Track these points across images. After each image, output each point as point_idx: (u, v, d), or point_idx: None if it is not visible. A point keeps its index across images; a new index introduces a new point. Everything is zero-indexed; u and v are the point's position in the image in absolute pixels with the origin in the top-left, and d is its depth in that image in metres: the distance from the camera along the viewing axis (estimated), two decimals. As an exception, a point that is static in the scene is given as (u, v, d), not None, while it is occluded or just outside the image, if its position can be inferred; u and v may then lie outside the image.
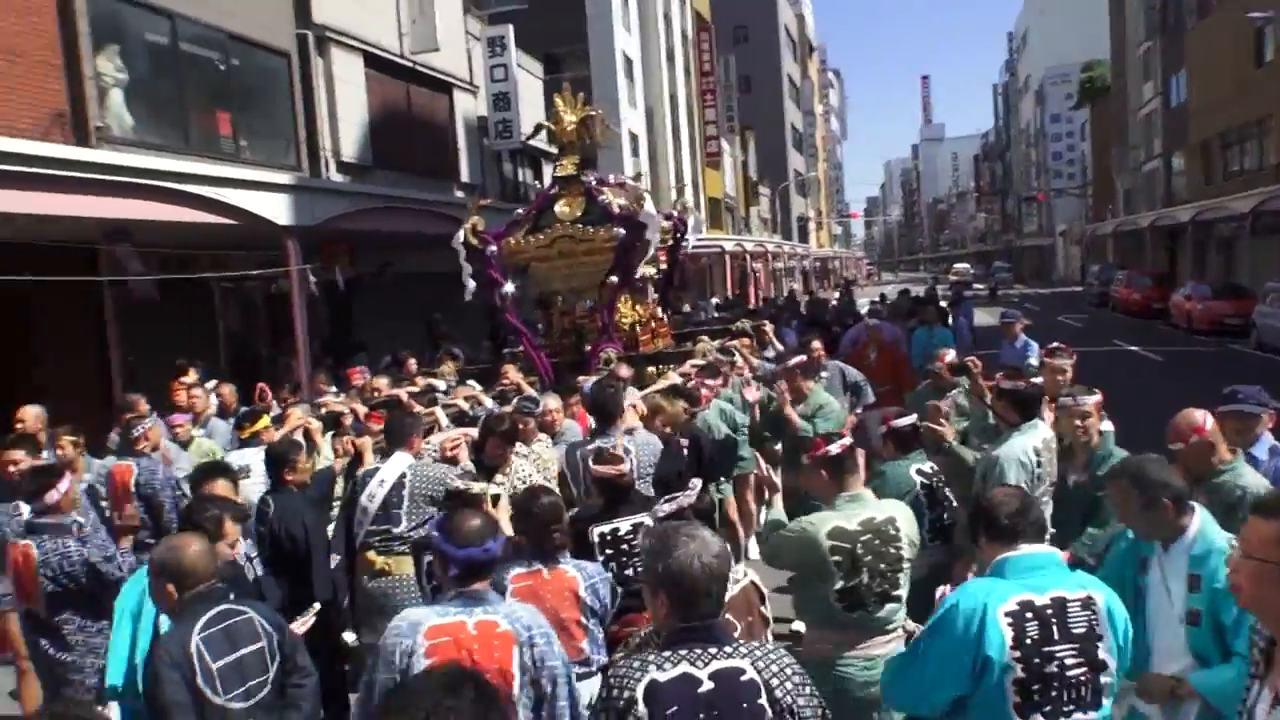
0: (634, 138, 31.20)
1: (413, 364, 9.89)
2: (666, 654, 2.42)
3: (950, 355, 7.24)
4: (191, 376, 8.90)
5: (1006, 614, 2.72)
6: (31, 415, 6.76)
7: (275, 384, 9.62)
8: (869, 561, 3.60)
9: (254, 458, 6.27)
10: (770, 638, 3.00)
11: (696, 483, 3.84)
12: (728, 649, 2.41)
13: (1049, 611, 2.73)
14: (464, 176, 19.47)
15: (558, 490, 4.67)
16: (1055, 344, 6.51)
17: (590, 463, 4.80)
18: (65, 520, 4.61)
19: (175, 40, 12.66)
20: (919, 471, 4.77)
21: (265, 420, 6.71)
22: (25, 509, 4.77)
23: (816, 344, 8.62)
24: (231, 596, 3.39)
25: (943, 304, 18.00)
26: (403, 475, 5.10)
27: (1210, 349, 20.90)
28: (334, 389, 8.87)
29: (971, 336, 13.78)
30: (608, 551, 4.29)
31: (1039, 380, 5.58)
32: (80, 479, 5.81)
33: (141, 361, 11.14)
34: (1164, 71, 38.30)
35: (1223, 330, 22.55)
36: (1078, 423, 4.76)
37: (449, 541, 2.99)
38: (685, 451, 5.84)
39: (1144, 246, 39.06)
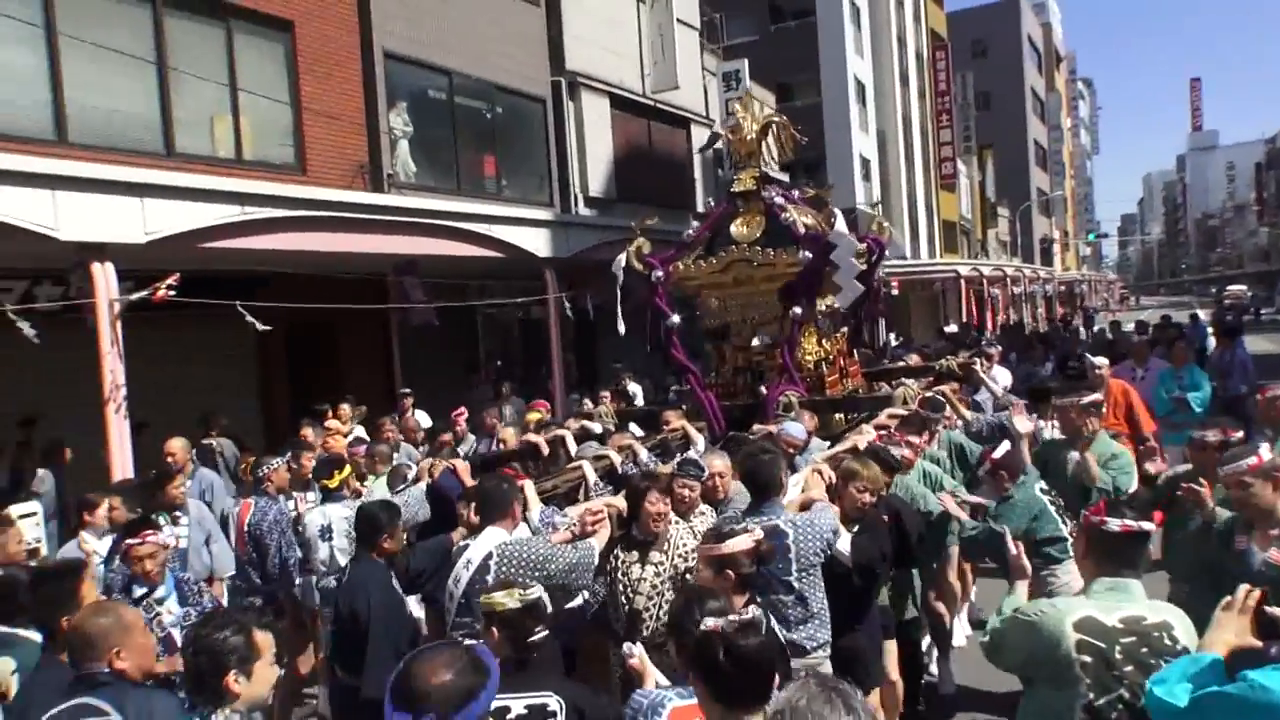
0: (865, 162, 31.11)
1: (605, 398, 9.54)
2: None
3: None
4: (345, 412, 9.34)
5: None
6: (178, 446, 7.18)
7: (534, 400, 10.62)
8: (1131, 674, 2.71)
9: (336, 514, 5.89)
10: None
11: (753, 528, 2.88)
12: None
13: None
14: (699, 207, 20.37)
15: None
16: None
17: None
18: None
19: (451, 94, 14.35)
20: (1042, 490, 5.03)
21: (347, 470, 6.15)
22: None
23: (1102, 363, 7.79)
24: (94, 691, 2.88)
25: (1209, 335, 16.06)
26: (489, 556, 4.07)
27: None
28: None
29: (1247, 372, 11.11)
30: None
31: None
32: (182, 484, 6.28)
33: (419, 374, 12.71)
34: None
35: None
36: None
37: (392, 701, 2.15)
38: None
39: None
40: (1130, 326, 19.87)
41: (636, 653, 3.21)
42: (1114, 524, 2.91)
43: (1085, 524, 3.04)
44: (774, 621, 3.90)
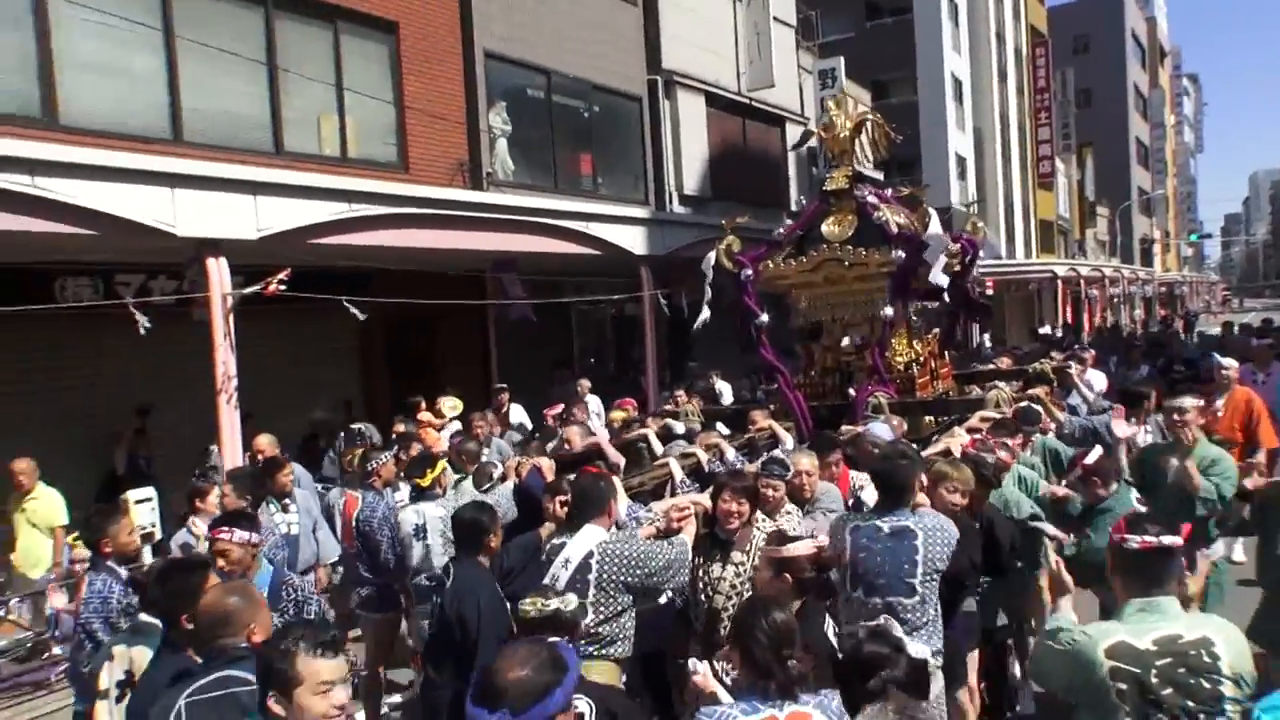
0: (961, 161, 30.31)
1: (681, 397, 9.49)
2: None
3: None
4: (443, 405, 9.27)
5: None
6: (265, 442, 7.32)
7: (618, 394, 10.48)
8: (1169, 697, 2.62)
9: (430, 513, 5.75)
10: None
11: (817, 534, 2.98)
12: None
13: None
14: (793, 205, 20.06)
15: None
16: None
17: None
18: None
19: (549, 93, 14.36)
20: (1138, 500, 4.78)
21: (441, 466, 6.07)
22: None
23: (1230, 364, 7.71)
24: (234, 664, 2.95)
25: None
26: (589, 555, 3.98)
27: None
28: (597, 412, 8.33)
29: None
30: None
31: None
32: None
33: (513, 369, 12.75)
34: None
35: None
36: None
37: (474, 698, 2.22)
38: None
39: None
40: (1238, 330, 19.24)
41: (701, 669, 3.20)
42: (1133, 541, 2.80)
43: (1110, 542, 2.92)
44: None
